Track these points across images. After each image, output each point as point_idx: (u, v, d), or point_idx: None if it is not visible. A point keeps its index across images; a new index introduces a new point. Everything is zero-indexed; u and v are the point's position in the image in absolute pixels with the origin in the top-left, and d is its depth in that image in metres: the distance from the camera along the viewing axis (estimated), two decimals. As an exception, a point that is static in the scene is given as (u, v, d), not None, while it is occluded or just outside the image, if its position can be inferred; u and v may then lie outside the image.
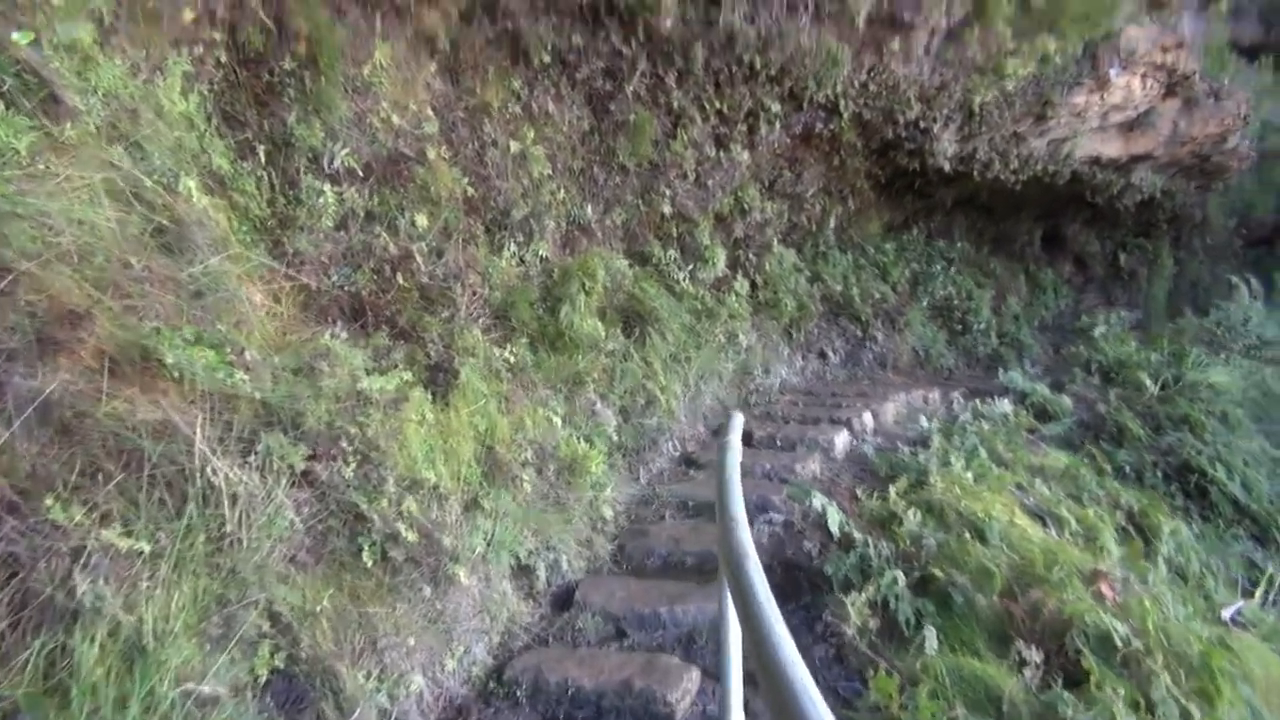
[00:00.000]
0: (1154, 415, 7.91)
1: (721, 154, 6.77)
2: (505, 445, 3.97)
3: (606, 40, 5.40)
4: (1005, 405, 7.54)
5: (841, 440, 5.99)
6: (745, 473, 5.56)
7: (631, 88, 5.71)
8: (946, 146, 7.78)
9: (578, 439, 4.54)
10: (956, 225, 11.95)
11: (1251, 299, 11.48)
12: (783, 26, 5.76)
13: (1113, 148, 8.78)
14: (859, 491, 4.90)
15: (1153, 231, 13.01)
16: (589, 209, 5.97)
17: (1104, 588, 3.44)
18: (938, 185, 9.62)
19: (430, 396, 3.72)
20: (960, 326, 11.11)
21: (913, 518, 4.03)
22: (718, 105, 6.31)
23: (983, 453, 5.41)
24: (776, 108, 6.63)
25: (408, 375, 3.56)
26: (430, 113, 4.81)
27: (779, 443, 5.96)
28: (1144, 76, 7.91)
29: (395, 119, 4.56)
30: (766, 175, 7.74)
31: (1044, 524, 4.43)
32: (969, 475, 4.78)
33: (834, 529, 4.04)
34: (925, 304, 10.59)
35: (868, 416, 6.61)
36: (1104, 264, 13.30)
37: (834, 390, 8.02)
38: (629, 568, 4.35)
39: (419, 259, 4.26)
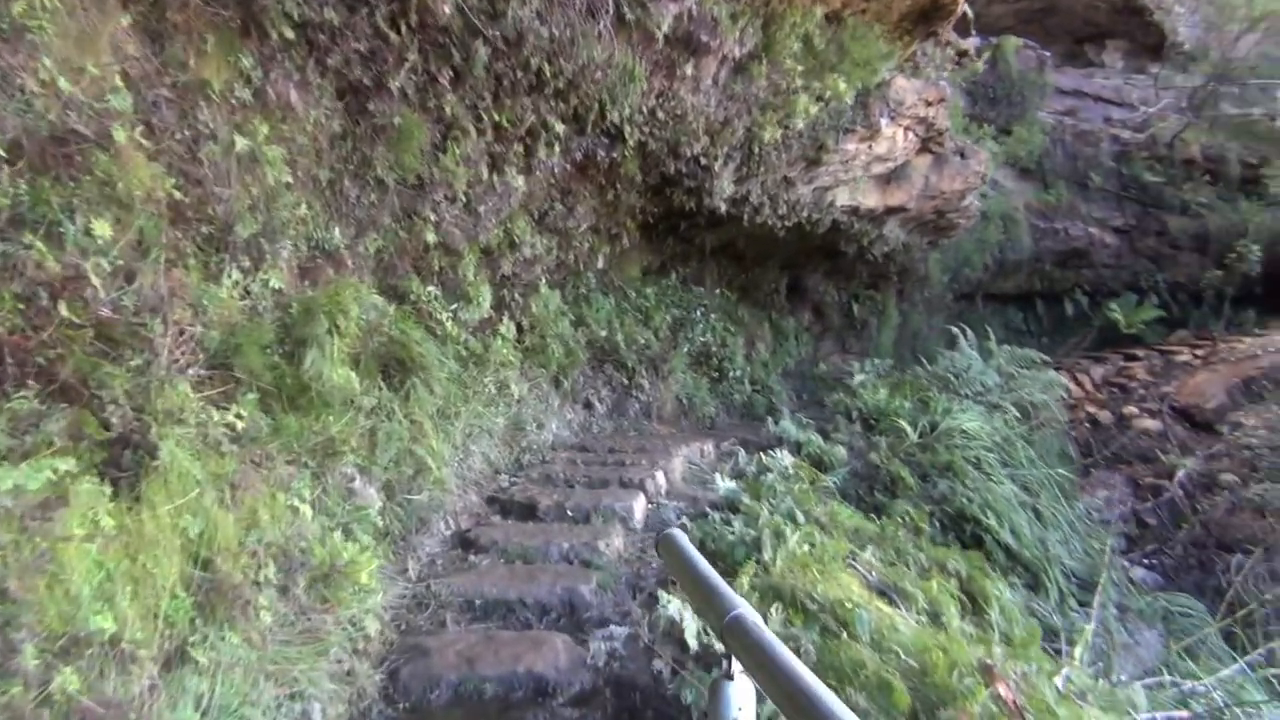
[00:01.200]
0: (919, 463, 8.01)
1: (495, 177, 5.85)
2: (230, 556, 2.73)
3: (369, 19, 4.31)
4: (785, 458, 7.23)
5: (639, 507, 5.24)
6: (540, 556, 4.63)
7: (397, 84, 4.64)
8: (725, 186, 7.44)
9: (334, 531, 3.37)
10: (709, 272, 11.87)
11: (970, 349, 12.45)
12: (579, 30, 5.01)
13: (871, 198, 9.00)
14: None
15: (881, 284, 13.84)
16: (337, 231, 4.78)
17: (1001, 688, 2.92)
18: (703, 229, 9.35)
19: (109, 491, 2.43)
20: (717, 374, 10.95)
21: (775, 615, 3.33)
22: (496, 118, 5.40)
23: (799, 516, 4.90)
24: (560, 128, 5.84)
25: (68, 462, 2.26)
26: (120, 82, 3.46)
27: (570, 512, 5.07)
28: (907, 129, 8.15)
29: (64, 83, 3.18)
30: (539, 206, 6.92)
31: (892, 602, 3.94)
32: (805, 548, 4.20)
33: (691, 640, 3.23)
34: (686, 351, 10.28)
35: (660, 476, 5.93)
36: (839, 313, 13.94)
37: (611, 446, 7.29)
38: (406, 706, 3.22)
39: (96, 282, 2.91)
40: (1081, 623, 6.51)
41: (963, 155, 9.40)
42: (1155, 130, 17.18)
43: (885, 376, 10.83)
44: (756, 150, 7.32)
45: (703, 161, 7.19)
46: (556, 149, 6.18)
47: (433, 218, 5.44)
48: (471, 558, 4.44)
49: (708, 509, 5.38)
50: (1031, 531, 7.32)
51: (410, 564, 4.19)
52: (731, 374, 11.07)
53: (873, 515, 6.81)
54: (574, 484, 5.74)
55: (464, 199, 5.64)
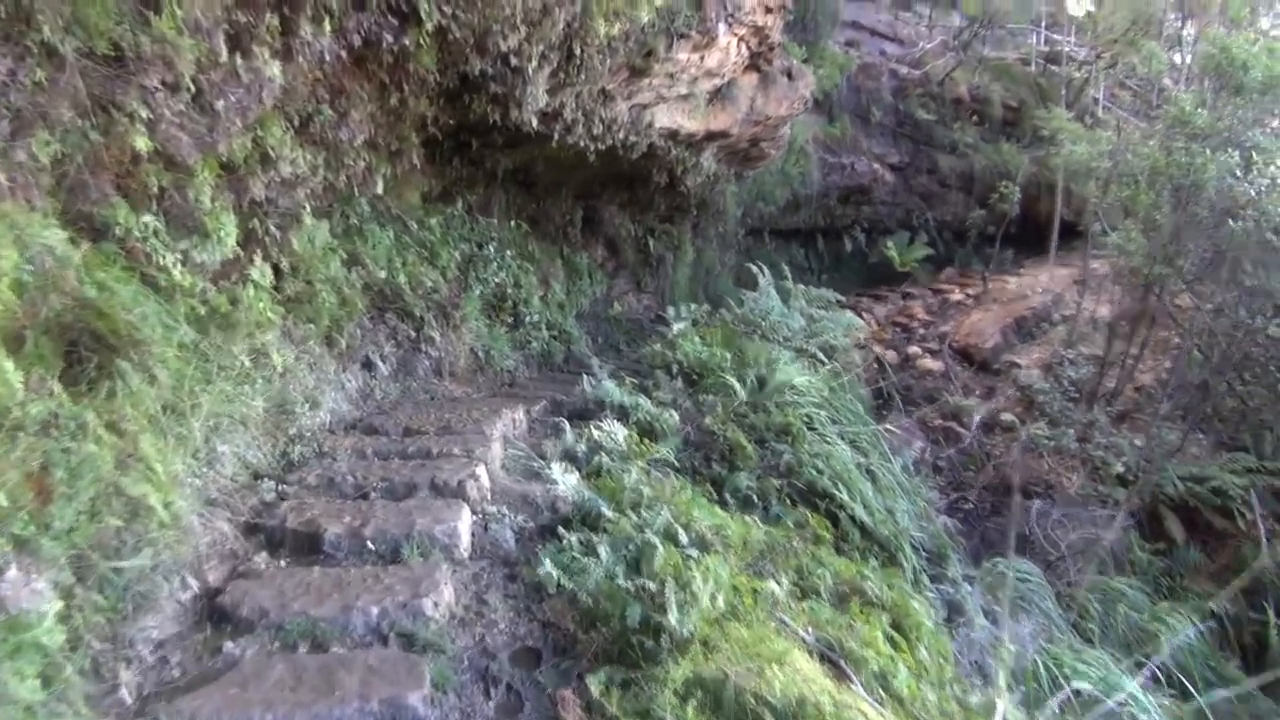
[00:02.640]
0: (754, 426, 7.20)
1: (239, 59, 4.07)
2: None
3: None
4: (617, 430, 6.10)
5: (464, 526, 3.87)
6: (337, 632, 3.14)
7: (68, -119, 2.82)
8: (538, 95, 6.01)
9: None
10: (497, 201, 10.32)
11: (769, 288, 11.91)
12: None
13: (692, 121, 7.91)
14: (570, 687, 2.87)
15: (677, 218, 12.96)
16: (-28, 125, 2.93)
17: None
18: (499, 150, 7.85)
19: None
20: (513, 319, 9.58)
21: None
22: (240, -34, 3.65)
23: (683, 536, 3.78)
24: (334, -6, 4.16)
25: None
26: None
27: (371, 544, 3.61)
28: (741, 39, 7.09)
29: None
30: (301, 108, 5.14)
31: (841, 672, 2.96)
32: (720, 601, 3.09)
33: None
34: (479, 294, 8.80)
35: (480, 472, 4.55)
36: (634, 249, 12.90)
37: (406, 424, 5.79)
38: None
39: None
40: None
41: (790, 76, 8.55)
42: (930, 68, 17.53)
43: (697, 324, 9.98)
44: (579, 51, 5.94)
45: (513, 61, 5.69)
46: (326, 26, 4.47)
47: (144, 113, 3.62)
48: (227, 645, 2.88)
49: (554, 523, 4.13)
50: (878, 501, 6.78)
51: (124, 675, 2.60)
52: (528, 319, 9.74)
53: (729, 500, 5.95)
54: (369, 491, 4.24)
55: (191, 88, 3.84)
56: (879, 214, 17.49)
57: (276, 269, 5.45)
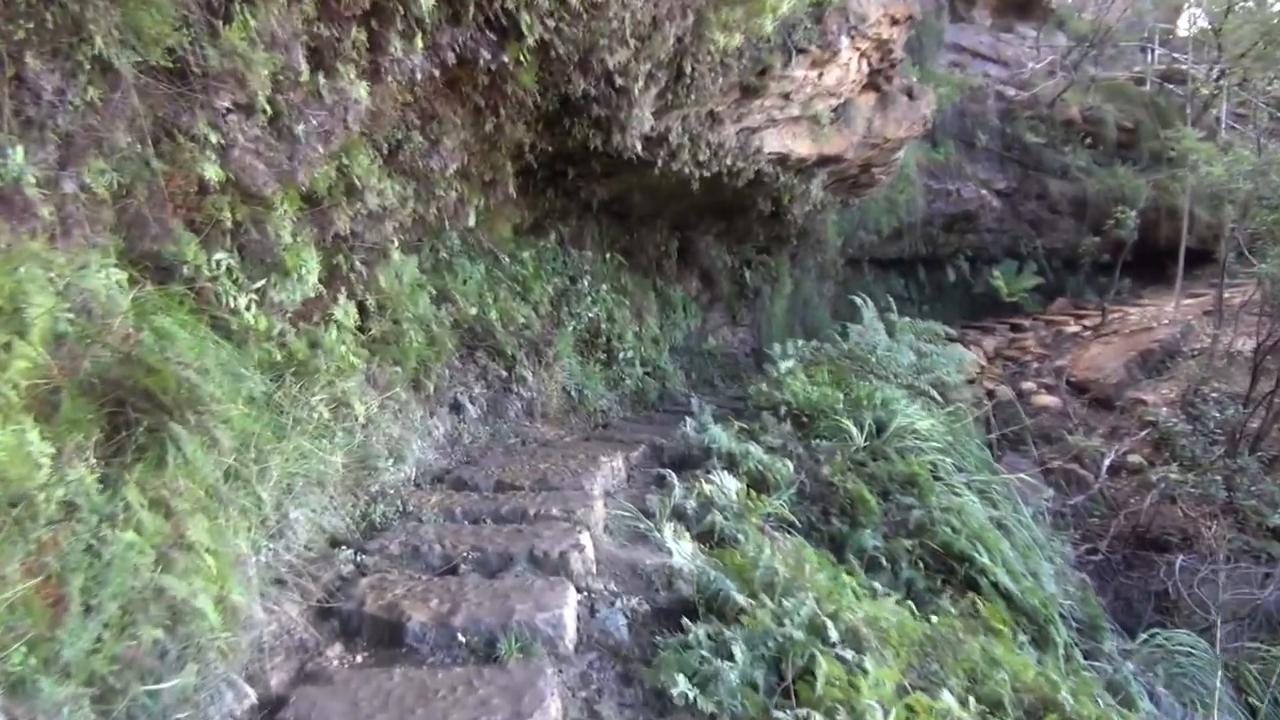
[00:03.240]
0: (874, 477, 6.46)
1: (322, 78, 3.66)
2: None
3: None
4: (728, 483, 5.46)
5: (569, 611, 3.27)
6: None
7: None
8: (644, 117, 5.48)
9: None
10: (589, 233, 9.88)
11: (874, 320, 11.12)
12: None
13: (804, 145, 7.29)
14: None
15: (774, 248, 12.30)
16: (14, 152, 2.52)
17: None
18: (595, 178, 7.36)
19: None
20: (605, 355, 9.06)
21: None
22: (322, -30, 3.22)
23: (832, 631, 3.11)
24: (425, 4, 3.71)
25: None
26: None
27: (463, 635, 3.05)
28: (863, 54, 6.46)
29: None
30: (388, 135, 4.73)
31: None
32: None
33: None
34: (571, 330, 8.31)
35: (585, 540, 3.97)
36: (729, 280, 12.28)
37: (499, 476, 5.26)
38: None
39: None
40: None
41: (910, 95, 7.86)
42: (1039, 90, 16.52)
43: (802, 360, 9.27)
44: (689, 69, 5.41)
45: (618, 81, 5.19)
46: (418, 42, 4.03)
47: (213, 137, 3.20)
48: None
49: (672, 606, 3.51)
50: (1020, 563, 5.94)
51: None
52: (621, 355, 9.22)
53: (856, 559, 5.23)
54: (458, 564, 3.70)
55: (267, 109, 3.42)
56: (984, 242, 16.46)
57: (361, 308, 5.03)
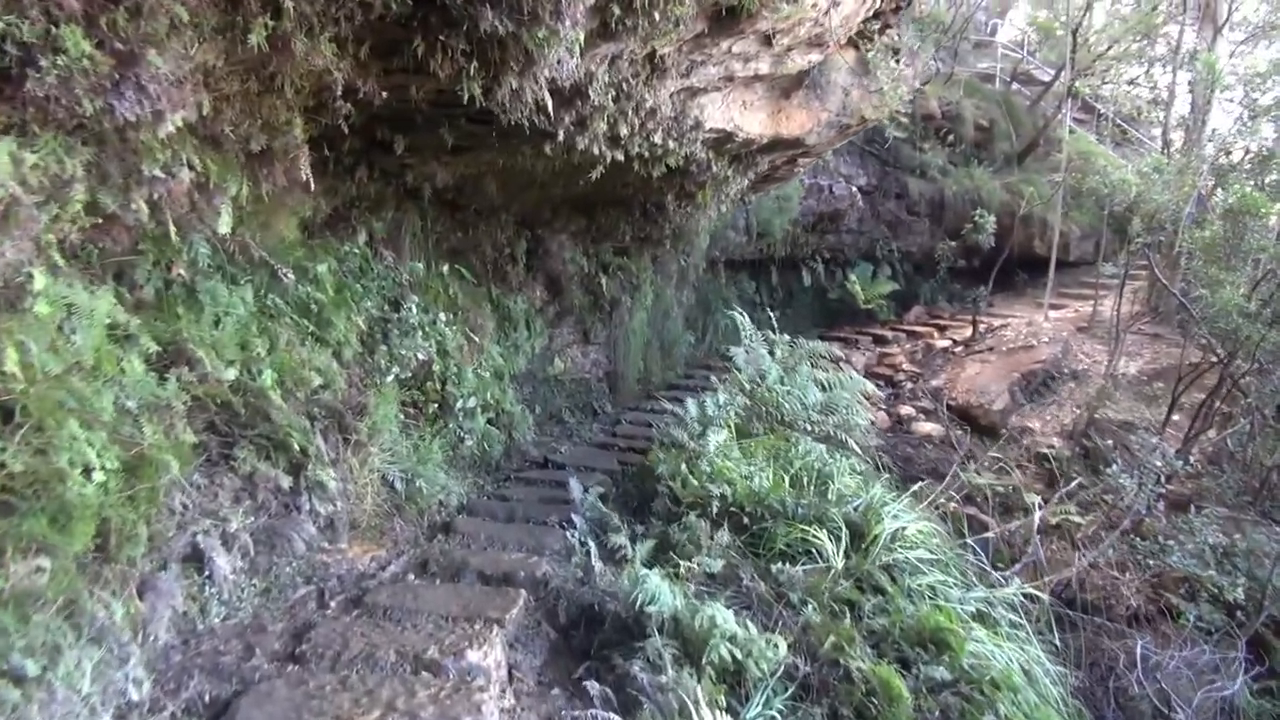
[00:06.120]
0: (876, 633, 4.31)
1: None
2: None
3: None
4: (689, 689, 3.10)
5: None
6: None
7: None
8: (568, 45, 2.93)
9: None
10: (408, 228, 7.05)
11: (751, 342, 9.09)
12: None
13: (755, 122, 4.98)
14: None
15: (635, 249, 9.95)
16: None
17: None
18: (438, 154, 4.69)
19: None
20: (438, 408, 6.36)
21: None
22: None
23: None
24: None
25: None
26: None
27: None
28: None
29: None
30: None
31: None
32: None
33: None
34: (392, 380, 5.55)
35: None
36: (582, 289, 9.75)
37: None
38: None
39: None
40: None
41: (895, 55, 5.72)
42: (899, 79, 15.26)
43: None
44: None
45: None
46: None
47: None
48: None
49: None
50: None
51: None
52: (459, 404, 6.55)
53: None
54: None
55: None
56: (843, 243, 15.01)
57: None
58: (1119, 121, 16.74)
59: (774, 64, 4.43)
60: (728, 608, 4.09)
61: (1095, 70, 15.60)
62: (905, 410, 11.94)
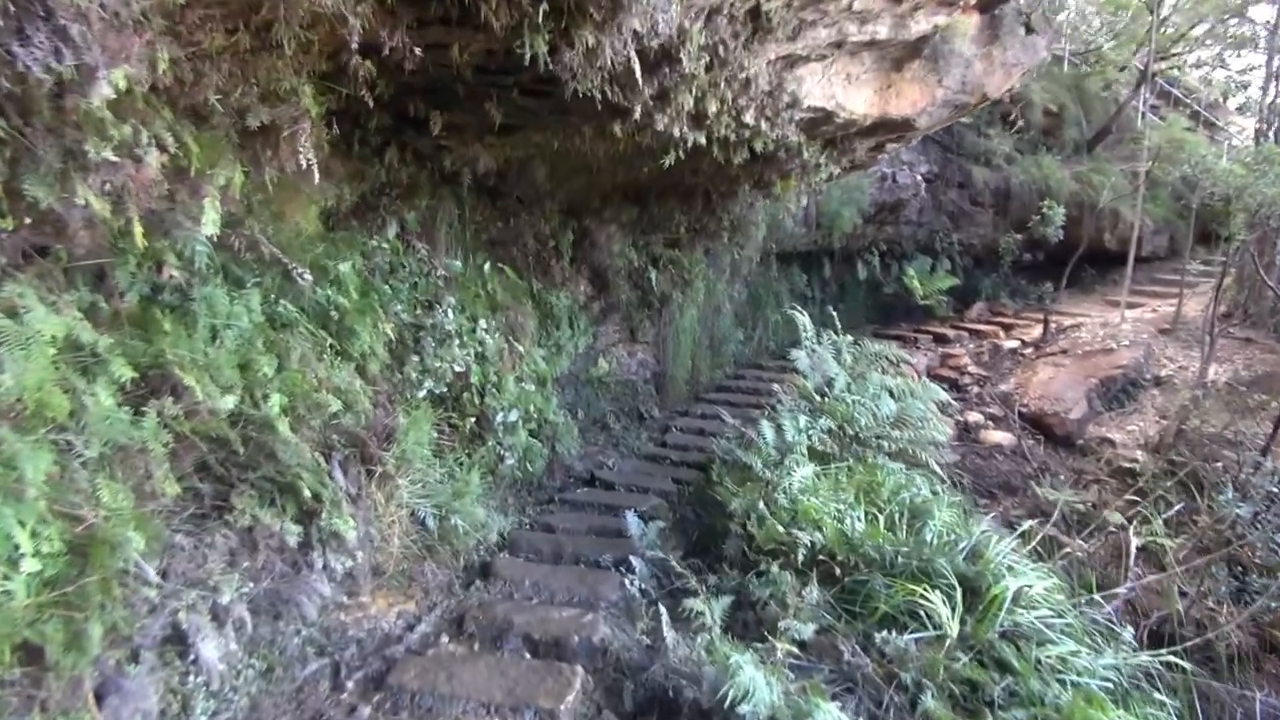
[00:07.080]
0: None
1: None
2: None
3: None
4: None
5: None
6: None
7: None
8: (658, 3, 2.12)
9: None
10: (445, 219, 6.29)
11: (814, 344, 8.23)
12: None
13: (860, 99, 4.16)
14: None
15: (687, 241, 9.11)
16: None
17: None
18: (481, 134, 3.91)
19: None
20: (475, 423, 5.61)
21: None
22: None
23: None
24: None
25: None
26: None
27: None
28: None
29: None
30: None
31: None
32: None
33: None
34: (424, 396, 4.82)
35: None
36: (630, 284, 8.94)
37: None
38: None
39: None
40: None
41: (1029, 28, 4.85)
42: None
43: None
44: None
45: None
46: None
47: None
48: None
49: None
50: None
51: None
52: (498, 419, 5.79)
53: None
54: None
55: None
56: (901, 235, 14.03)
57: None
58: (1199, 108, 15.57)
59: (894, 27, 3.59)
60: (827, 688, 3.34)
61: (1172, 53, 14.42)
62: (973, 417, 11.02)
